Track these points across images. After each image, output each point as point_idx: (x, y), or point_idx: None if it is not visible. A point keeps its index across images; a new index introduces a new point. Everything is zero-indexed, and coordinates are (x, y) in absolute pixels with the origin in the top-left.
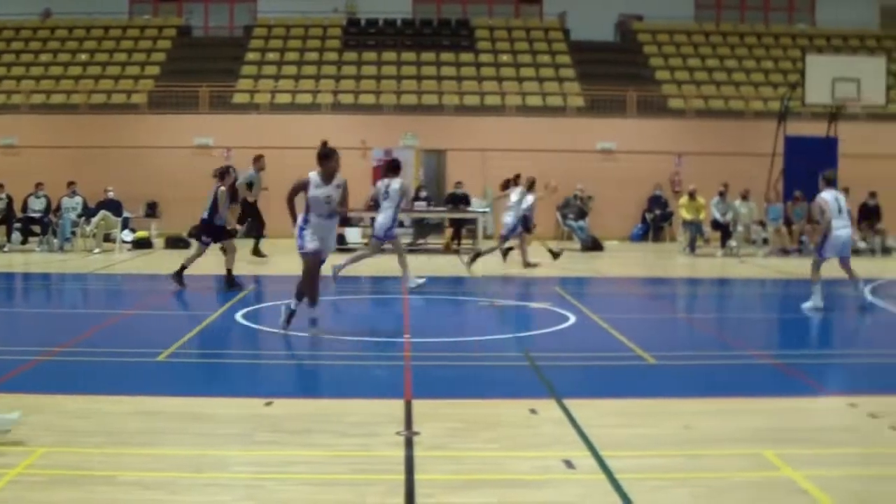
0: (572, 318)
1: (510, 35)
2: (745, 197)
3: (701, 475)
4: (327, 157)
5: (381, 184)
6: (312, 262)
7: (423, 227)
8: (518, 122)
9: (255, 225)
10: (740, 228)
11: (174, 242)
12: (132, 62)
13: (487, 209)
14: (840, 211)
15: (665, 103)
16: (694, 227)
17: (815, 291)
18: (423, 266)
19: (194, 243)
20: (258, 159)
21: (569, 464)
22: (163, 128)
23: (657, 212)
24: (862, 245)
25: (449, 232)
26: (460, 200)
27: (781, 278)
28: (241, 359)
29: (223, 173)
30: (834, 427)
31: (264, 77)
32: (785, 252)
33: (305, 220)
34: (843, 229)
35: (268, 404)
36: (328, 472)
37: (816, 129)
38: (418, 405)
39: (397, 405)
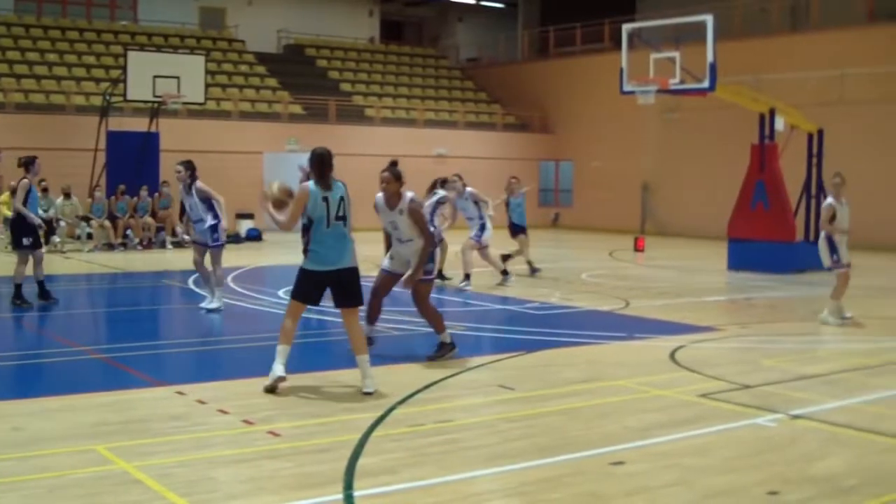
0: None
1: None
2: (67, 194)
3: (33, 477)
4: None
5: None
6: None
7: None
8: None
9: None
10: (63, 224)
11: None
12: None
13: None
14: None
15: None
16: None
17: None
18: None
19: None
20: None
21: None
22: None
23: None
24: None
25: None
26: None
27: (108, 272)
28: None
29: (28, 163)
30: (164, 416)
31: None
32: (110, 246)
33: None
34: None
35: None
36: None
37: (139, 125)
38: None
39: None
